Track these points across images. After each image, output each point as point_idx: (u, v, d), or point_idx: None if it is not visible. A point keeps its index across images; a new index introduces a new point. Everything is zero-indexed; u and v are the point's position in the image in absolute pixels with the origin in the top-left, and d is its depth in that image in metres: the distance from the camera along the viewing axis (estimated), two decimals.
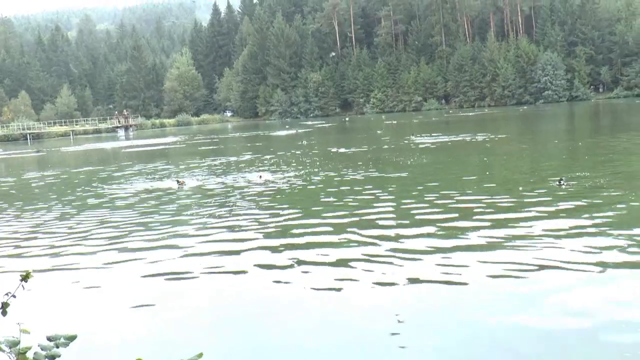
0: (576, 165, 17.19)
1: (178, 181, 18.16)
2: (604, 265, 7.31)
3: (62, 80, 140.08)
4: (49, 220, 13.48)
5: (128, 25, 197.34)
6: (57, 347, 2.63)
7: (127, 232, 11.33)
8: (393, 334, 5.78)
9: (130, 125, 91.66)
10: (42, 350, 2.60)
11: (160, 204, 14.89)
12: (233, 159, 28.34)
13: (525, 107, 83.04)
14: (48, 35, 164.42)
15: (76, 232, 11.75)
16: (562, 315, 5.97)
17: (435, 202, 12.26)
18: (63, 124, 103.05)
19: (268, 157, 27.70)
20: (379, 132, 46.50)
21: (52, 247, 10.58)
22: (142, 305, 7.24)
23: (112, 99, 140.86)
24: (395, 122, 46.80)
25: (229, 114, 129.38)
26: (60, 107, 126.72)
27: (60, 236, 11.48)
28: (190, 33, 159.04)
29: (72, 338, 2.74)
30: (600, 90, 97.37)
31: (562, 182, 13.24)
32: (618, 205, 10.61)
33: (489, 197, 12.44)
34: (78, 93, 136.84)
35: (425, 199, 12.67)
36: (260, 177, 18.19)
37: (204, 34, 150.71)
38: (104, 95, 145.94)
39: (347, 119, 61.50)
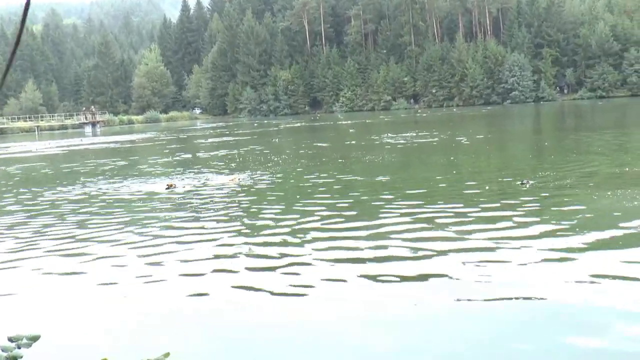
0: (542, 165, 17.48)
1: (168, 185, 16.82)
2: (565, 267, 7.47)
3: (26, 75, 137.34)
4: (15, 219, 13.27)
5: (96, 20, 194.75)
6: (19, 347, 2.64)
7: (95, 234, 11.23)
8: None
9: (98, 122, 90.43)
10: (2, 351, 2.60)
11: (140, 207, 14.77)
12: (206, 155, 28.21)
13: (489, 108, 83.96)
14: (12, 29, 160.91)
15: (42, 232, 11.60)
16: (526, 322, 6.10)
17: (401, 204, 12.35)
18: (28, 119, 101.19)
19: (239, 153, 27.65)
20: (351, 130, 46.90)
21: (16, 245, 10.43)
22: (107, 305, 7.20)
23: (79, 94, 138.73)
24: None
25: (198, 111, 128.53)
26: (24, 102, 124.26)
27: (24, 236, 11.32)
28: (159, 29, 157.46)
29: (35, 338, 2.74)
30: (565, 91, 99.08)
31: (524, 182, 13.48)
32: (581, 206, 10.82)
33: (455, 196, 12.62)
34: (43, 88, 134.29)
35: (392, 202, 12.79)
36: (238, 179, 17.53)
37: (173, 30, 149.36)
38: (70, 91, 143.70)
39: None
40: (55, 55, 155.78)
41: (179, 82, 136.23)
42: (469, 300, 6.54)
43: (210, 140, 43.67)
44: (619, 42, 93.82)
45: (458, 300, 6.55)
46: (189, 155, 29.46)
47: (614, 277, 6.92)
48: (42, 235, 11.13)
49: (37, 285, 8.09)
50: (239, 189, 16.12)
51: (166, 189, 16.57)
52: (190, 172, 21.16)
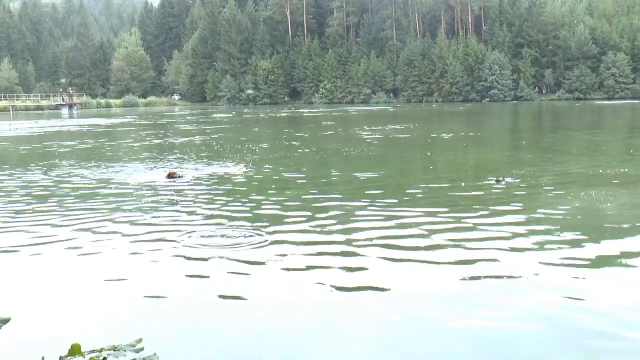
0: (519, 164, 17.62)
1: (170, 173, 15.44)
2: (537, 267, 7.55)
3: (2, 54, 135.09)
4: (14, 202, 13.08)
5: (76, 1, 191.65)
6: None
7: (72, 219, 11.10)
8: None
9: (75, 104, 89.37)
10: None
11: (140, 196, 14.60)
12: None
13: (468, 105, 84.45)
14: None
15: (19, 214, 11.45)
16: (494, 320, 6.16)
17: (374, 200, 12.40)
18: (3, 98, 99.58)
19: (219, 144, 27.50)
20: (330, 123, 46.95)
21: None
22: (81, 292, 7.13)
23: (57, 76, 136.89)
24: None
25: (177, 97, 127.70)
26: (0, 81, 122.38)
27: (3, 218, 11.18)
28: (141, 13, 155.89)
29: (5, 321, 2.70)
30: (544, 92, 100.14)
31: (500, 180, 13.57)
32: (555, 206, 10.92)
33: (430, 192, 12.69)
34: (20, 68, 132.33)
35: (366, 194, 12.83)
36: (245, 169, 16.80)
37: (154, 14, 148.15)
38: (48, 72, 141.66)
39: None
40: (33, 34, 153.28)
41: (158, 67, 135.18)
42: (442, 300, 6.59)
43: (189, 126, 43.36)
44: (598, 46, 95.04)
45: (431, 298, 6.60)
46: (176, 141, 29.21)
47: (582, 277, 7.02)
48: (19, 219, 10.98)
49: (8, 269, 7.99)
50: (245, 179, 15.45)
51: (167, 177, 15.24)
52: (184, 160, 20.65)
